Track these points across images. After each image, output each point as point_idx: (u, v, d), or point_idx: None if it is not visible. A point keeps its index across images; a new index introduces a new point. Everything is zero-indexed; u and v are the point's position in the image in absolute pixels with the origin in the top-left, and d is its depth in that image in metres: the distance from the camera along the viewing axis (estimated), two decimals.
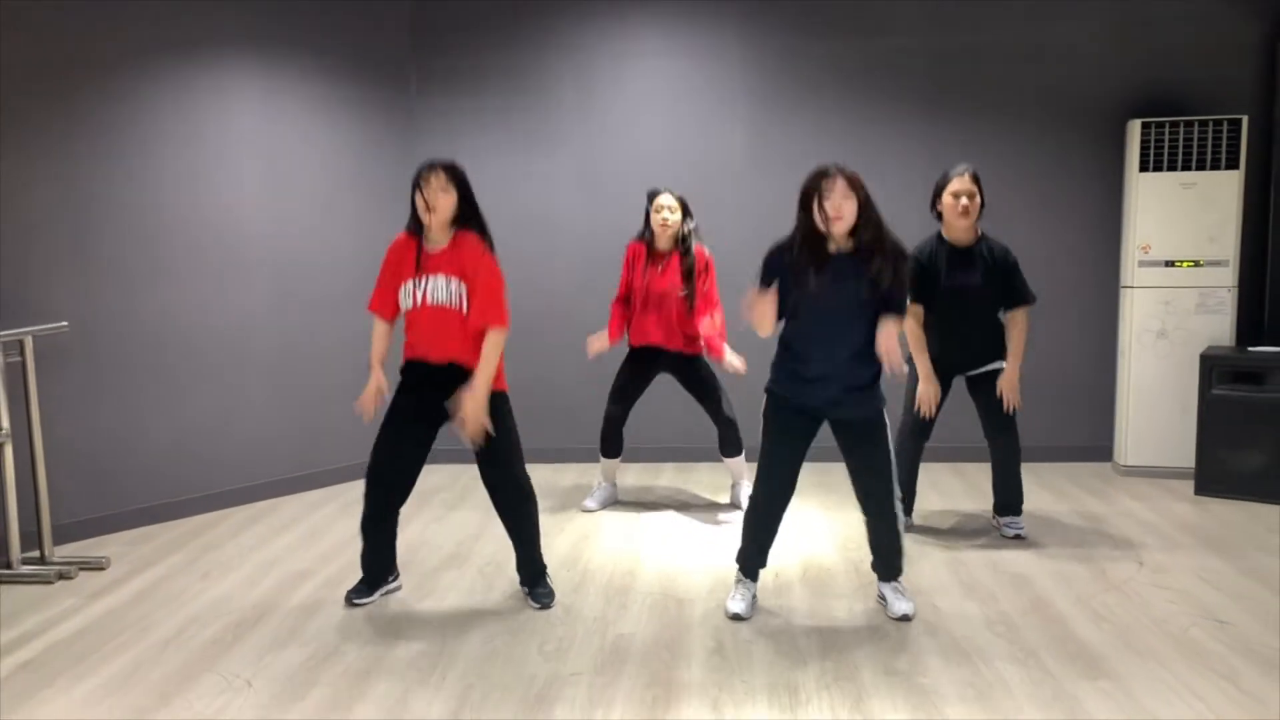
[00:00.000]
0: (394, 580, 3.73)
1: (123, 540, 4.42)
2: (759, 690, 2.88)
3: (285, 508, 4.91)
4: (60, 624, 3.49)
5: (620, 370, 4.66)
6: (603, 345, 4.54)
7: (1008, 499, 4.21)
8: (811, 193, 3.14)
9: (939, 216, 4.03)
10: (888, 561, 3.43)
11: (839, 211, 3.09)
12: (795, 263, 3.17)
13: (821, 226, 3.12)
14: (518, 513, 3.54)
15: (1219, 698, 2.78)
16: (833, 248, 3.18)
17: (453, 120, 5.54)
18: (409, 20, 5.49)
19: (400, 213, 5.21)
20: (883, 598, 3.46)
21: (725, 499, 4.88)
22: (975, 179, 3.94)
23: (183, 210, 4.69)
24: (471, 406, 3.29)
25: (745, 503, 4.59)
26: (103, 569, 4.04)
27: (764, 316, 3.17)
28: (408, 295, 3.42)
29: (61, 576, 3.95)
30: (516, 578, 3.70)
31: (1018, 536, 4.17)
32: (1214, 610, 3.39)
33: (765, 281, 3.22)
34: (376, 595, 3.65)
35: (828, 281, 3.14)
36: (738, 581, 3.51)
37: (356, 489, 5.23)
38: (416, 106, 5.55)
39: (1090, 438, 5.42)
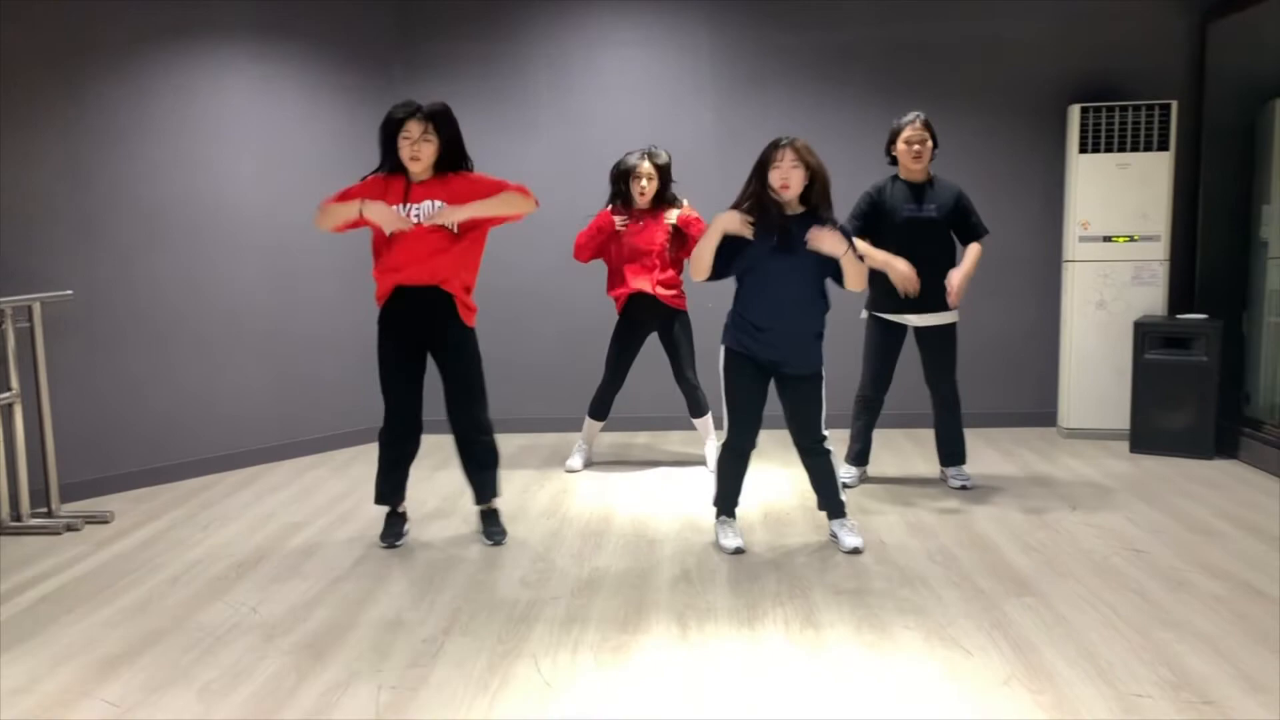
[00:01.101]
0: (408, 527, 4.03)
1: (124, 499, 4.67)
2: (720, 608, 3.19)
3: (276, 471, 5.17)
4: (73, 566, 3.75)
5: (613, 340, 4.92)
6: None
7: (951, 448, 4.55)
8: (765, 162, 3.47)
9: (893, 161, 4.39)
10: (832, 499, 3.77)
11: (785, 181, 3.45)
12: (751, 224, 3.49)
13: (773, 188, 3.46)
14: (479, 449, 3.83)
15: (1127, 607, 3.12)
16: (786, 212, 3.50)
17: None
18: (393, 10, 5.76)
19: None
20: (834, 535, 3.78)
21: (696, 458, 5.19)
22: (927, 125, 4.30)
23: (179, 189, 4.94)
24: (449, 211, 3.48)
25: (713, 458, 4.93)
26: (107, 522, 4.30)
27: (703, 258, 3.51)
28: None
29: (69, 528, 4.20)
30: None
31: (964, 487, 4.51)
32: (1133, 543, 3.74)
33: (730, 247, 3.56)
34: (405, 534, 3.95)
35: (778, 244, 3.48)
36: (722, 522, 3.82)
37: (343, 455, 5.51)
38: (400, 92, 5.79)
39: (1036, 404, 5.78)
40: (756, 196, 3.50)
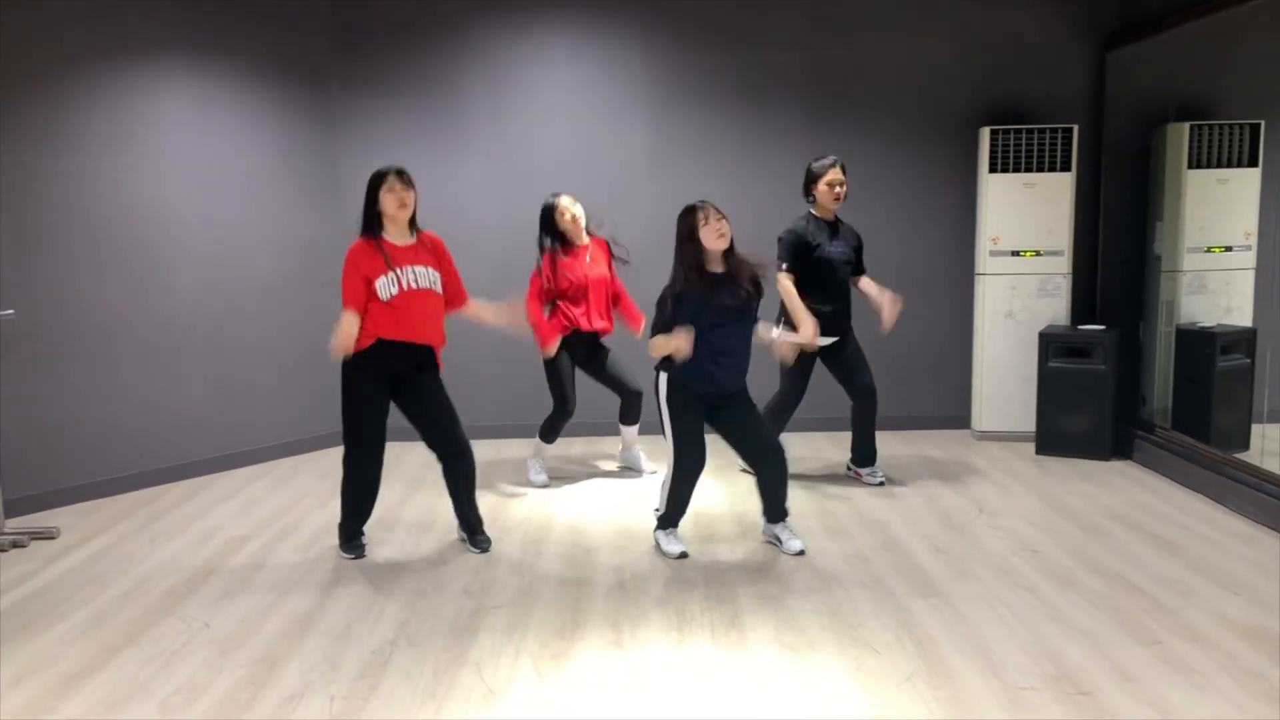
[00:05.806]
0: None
1: (69, 513, 4.74)
2: (652, 614, 3.42)
3: (221, 483, 5.27)
4: (22, 584, 3.84)
5: (558, 371, 4.94)
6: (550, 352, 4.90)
7: (866, 450, 4.92)
8: (693, 226, 3.78)
9: (813, 200, 4.74)
10: (780, 503, 4.06)
11: (724, 229, 3.78)
12: (692, 290, 3.76)
13: (709, 245, 3.76)
14: (460, 468, 4.10)
15: (1020, 605, 3.43)
16: (715, 269, 3.82)
17: (370, 121, 5.93)
18: (329, 27, 5.86)
19: (323, 209, 5.64)
20: (776, 539, 4.05)
21: (618, 465, 5.43)
22: (843, 169, 4.73)
23: (118, 207, 5.00)
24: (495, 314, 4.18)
25: (642, 465, 5.16)
26: (54, 538, 4.37)
27: (684, 348, 3.71)
28: (390, 285, 3.80)
29: (15, 545, 4.27)
30: (441, 536, 4.22)
31: (882, 484, 4.86)
32: (1031, 544, 4.06)
33: (677, 319, 3.76)
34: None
35: (720, 297, 3.79)
36: (668, 533, 4.07)
37: (286, 465, 5.63)
38: (337, 108, 5.92)
39: (953, 408, 6.13)
40: (690, 262, 3.78)
